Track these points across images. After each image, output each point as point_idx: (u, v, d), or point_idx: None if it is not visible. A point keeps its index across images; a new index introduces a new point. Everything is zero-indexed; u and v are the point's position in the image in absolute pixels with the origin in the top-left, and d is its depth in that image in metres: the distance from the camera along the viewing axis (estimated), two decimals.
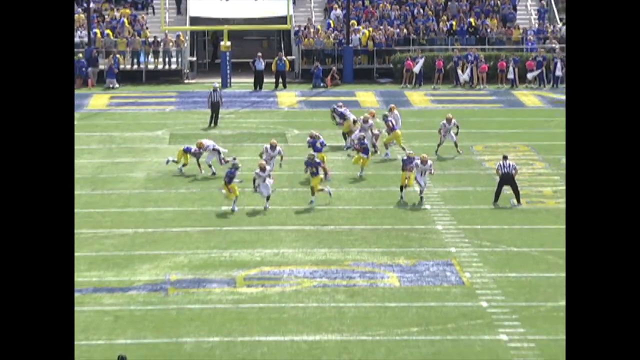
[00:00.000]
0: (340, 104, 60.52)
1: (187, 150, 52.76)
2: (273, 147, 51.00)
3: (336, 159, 54.20)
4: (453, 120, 55.84)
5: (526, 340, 33.24)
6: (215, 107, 62.70)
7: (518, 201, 47.32)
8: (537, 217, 46.22)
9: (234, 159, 48.92)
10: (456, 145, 55.26)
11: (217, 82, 70.10)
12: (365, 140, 52.96)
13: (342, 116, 58.24)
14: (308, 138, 54.84)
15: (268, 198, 47.44)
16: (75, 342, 33.12)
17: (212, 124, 63.03)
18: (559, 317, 35.04)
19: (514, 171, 47.80)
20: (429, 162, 48.06)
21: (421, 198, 48.09)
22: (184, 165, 52.58)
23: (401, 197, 47.26)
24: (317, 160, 49.30)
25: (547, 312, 35.58)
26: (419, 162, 47.81)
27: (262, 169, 47.64)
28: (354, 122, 58.30)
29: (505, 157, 48.64)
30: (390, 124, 56.95)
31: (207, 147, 52.34)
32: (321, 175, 48.76)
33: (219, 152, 52.39)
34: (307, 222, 45.17)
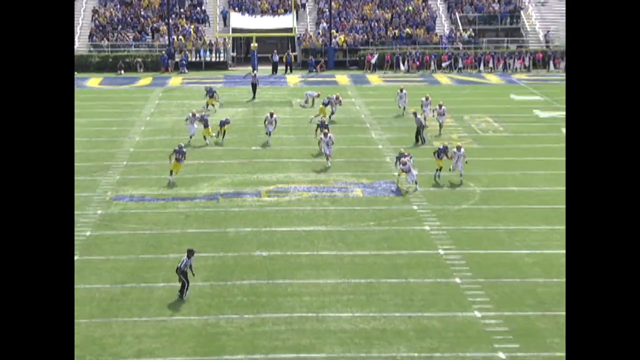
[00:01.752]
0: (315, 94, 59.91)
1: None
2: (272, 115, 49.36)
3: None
4: (429, 99, 52.93)
5: (441, 230, 33.37)
6: (254, 86, 62.69)
7: (423, 142, 47.42)
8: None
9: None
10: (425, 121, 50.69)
11: (254, 70, 69.86)
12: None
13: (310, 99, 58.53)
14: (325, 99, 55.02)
15: (328, 157, 43.38)
16: (160, 232, 33.46)
17: (253, 97, 62.32)
18: (462, 216, 35.22)
19: (424, 121, 48.36)
20: (462, 149, 41.08)
21: (461, 181, 40.31)
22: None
23: (435, 178, 40.65)
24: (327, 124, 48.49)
25: (455, 212, 35.68)
26: (455, 150, 40.71)
27: (325, 135, 43.71)
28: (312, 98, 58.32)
29: (415, 114, 48.90)
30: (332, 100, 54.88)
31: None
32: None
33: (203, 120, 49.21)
34: (305, 156, 45.04)
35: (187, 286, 27.11)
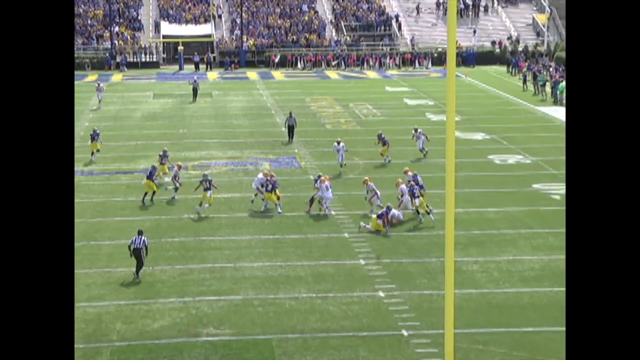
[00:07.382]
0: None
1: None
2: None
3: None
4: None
5: (333, 194, 33.18)
6: (194, 91, 58.13)
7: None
8: (336, 134, 46.02)
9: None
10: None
11: (195, 77, 63.67)
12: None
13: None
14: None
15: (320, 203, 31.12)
16: (105, 199, 32.45)
17: (194, 100, 57.61)
18: (349, 183, 34.95)
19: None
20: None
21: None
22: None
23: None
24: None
25: (345, 180, 35.33)
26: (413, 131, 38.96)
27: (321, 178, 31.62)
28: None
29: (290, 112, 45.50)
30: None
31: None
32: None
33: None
34: (223, 137, 44.60)
35: (141, 266, 24.69)
